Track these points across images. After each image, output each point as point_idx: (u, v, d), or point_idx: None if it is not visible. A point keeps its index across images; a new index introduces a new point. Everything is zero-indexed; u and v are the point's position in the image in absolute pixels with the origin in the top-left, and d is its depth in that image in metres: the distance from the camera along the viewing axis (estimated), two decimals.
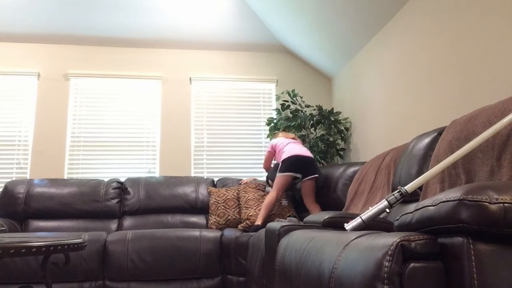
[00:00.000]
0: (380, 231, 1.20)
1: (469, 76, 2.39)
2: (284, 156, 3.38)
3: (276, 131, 3.98)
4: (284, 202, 3.56)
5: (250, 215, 3.40)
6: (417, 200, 2.01)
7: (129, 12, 4.19)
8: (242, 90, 4.63)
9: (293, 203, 3.61)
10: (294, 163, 3.32)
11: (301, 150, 3.39)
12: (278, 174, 3.35)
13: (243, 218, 3.44)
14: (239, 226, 3.43)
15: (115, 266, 2.91)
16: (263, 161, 3.83)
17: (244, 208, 3.48)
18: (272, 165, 3.74)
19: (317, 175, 3.33)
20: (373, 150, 3.65)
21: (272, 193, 3.31)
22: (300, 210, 3.53)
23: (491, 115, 1.63)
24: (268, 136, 4.38)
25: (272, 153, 3.63)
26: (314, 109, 4.37)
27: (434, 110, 2.75)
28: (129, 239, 2.99)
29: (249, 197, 3.53)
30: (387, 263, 0.90)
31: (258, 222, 3.22)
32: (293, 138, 3.61)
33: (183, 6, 4.19)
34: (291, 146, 3.42)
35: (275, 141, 3.63)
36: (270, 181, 3.65)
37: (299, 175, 3.34)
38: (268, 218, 3.33)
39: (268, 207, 3.27)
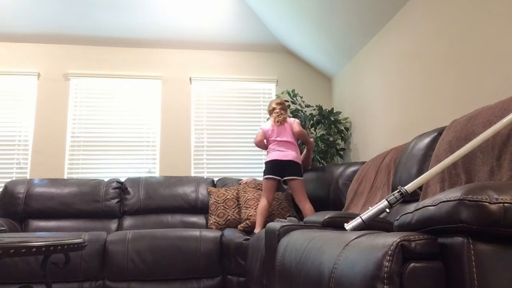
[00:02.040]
0: (380, 231, 1.20)
1: (469, 76, 2.39)
2: (266, 158, 3.36)
3: (271, 100, 3.64)
4: (285, 203, 3.56)
5: (250, 215, 3.40)
6: (417, 200, 2.01)
7: (129, 12, 4.19)
8: (242, 90, 4.63)
9: (293, 203, 3.61)
10: (272, 167, 3.28)
11: (281, 154, 3.27)
12: (263, 179, 3.35)
13: (243, 218, 3.44)
14: (239, 226, 3.43)
15: (115, 266, 2.91)
16: (255, 138, 3.53)
17: (244, 208, 3.48)
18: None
19: (294, 177, 3.23)
20: (373, 150, 3.65)
21: (262, 200, 3.29)
22: (300, 210, 3.53)
23: (491, 115, 1.63)
24: None
25: (262, 138, 3.44)
26: (314, 109, 4.37)
27: (434, 110, 2.75)
28: (129, 239, 2.99)
29: (248, 197, 3.53)
30: (387, 263, 0.90)
31: (257, 230, 3.19)
32: (279, 124, 3.35)
33: (183, 6, 4.19)
34: (272, 148, 3.32)
35: (265, 126, 3.45)
36: None
37: (278, 178, 3.28)
38: (267, 220, 3.32)
39: (263, 213, 3.24)
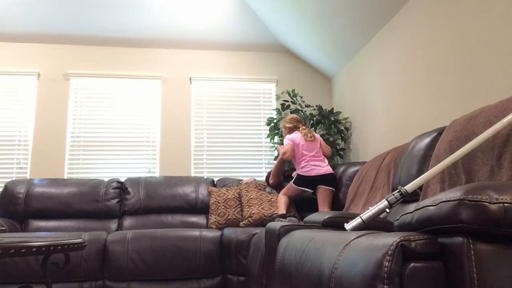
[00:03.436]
0: (380, 231, 1.20)
1: (469, 76, 2.39)
2: (301, 171, 3.42)
3: (291, 116, 3.71)
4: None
5: (253, 213, 3.41)
6: (417, 200, 2.01)
7: (129, 12, 4.19)
8: (242, 90, 4.63)
9: (293, 203, 3.61)
10: (307, 182, 3.38)
11: (321, 170, 3.37)
12: (292, 183, 3.45)
13: (245, 216, 3.46)
14: (241, 223, 3.44)
15: (115, 266, 2.91)
16: (284, 151, 3.47)
17: (247, 207, 3.49)
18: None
19: (331, 188, 3.34)
20: (373, 150, 3.65)
21: (284, 195, 3.43)
22: (301, 210, 3.54)
23: (491, 115, 1.63)
24: (268, 136, 4.37)
25: (293, 148, 3.45)
26: (314, 109, 4.36)
27: (434, 110, 2.75)
28: (129, 239, 2.99)
29: (251, 196, 3.54)
30: (387, 263, 0.90)
31: (283, 211, 3.32)
32: (312, 139, 3.46)
33: (183, 6, 4.19)
34: (308, 163, 3.40)
35: (295, 139, 3.47)
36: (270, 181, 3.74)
37: (310, 190, 3.40)
38: (269, 219, 3.36)
39: (286, 202, 3.40)
